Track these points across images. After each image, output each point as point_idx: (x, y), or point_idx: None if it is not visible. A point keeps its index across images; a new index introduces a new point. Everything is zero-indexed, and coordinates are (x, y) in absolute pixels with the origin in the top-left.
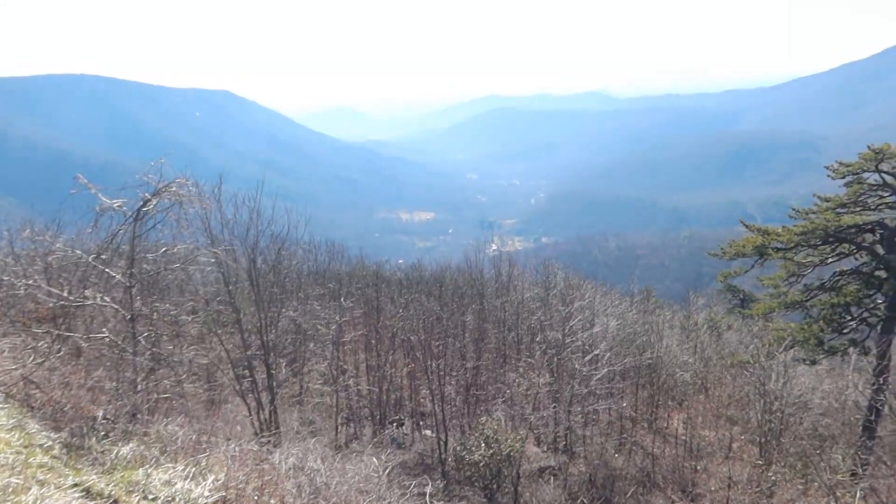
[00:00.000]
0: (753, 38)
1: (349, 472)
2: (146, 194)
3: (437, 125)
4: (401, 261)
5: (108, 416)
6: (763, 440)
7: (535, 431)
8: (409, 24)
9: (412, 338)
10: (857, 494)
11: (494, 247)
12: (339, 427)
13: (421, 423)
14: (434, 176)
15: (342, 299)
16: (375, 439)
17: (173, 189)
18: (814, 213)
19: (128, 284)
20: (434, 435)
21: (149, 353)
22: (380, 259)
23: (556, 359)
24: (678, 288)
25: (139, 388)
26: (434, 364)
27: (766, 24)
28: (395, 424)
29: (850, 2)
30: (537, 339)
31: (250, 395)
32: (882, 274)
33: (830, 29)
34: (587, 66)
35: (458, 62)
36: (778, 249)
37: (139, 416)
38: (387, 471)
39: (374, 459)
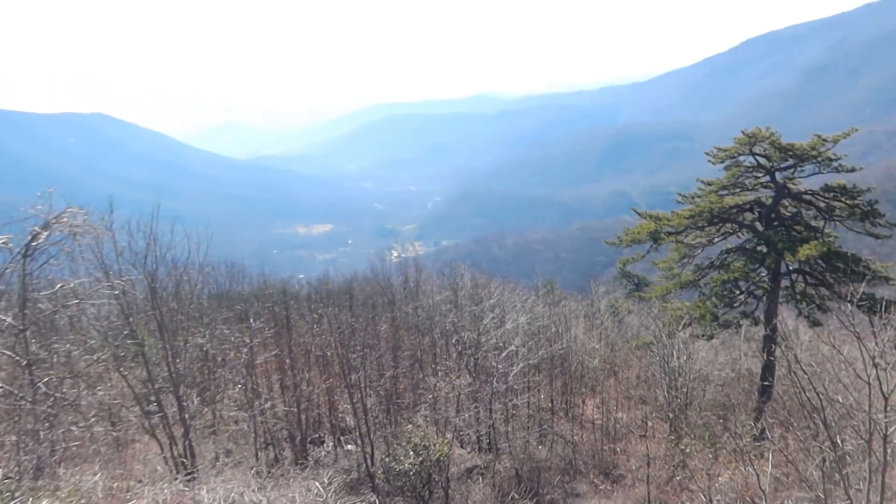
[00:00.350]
0: (627, 35)
1: (296, 501)
2: (35, 227)
3: (328, 136)
4: (301, 276)
5: (10, 475)
6: (672, 416)
7: (460, 433)
8: (291, 34)
9: (328, 353)
10: (769, 456)
11: (396, 253)
12: (259, 453)
13: (342, 438)
14: (328, 187)
15: (251, 320)
16: (299, 461)
17: (65, 220)
18: (699, 196)
19: (21, 328)
20: (358, 449)
21: (51, 399)
22: (281, 276)
23: (473, 359)
24: (575, 278)
25: (42, 438)
26: (353, 377)
27: (639, 20)
28: (316, 443)
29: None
30: (452, 342)
31: (161, 431)
32: (763, 249)
33: (694, 23)
34: (472, 70)
35: (342, 72)
36: (669, 234)
37: (46, 469)
38: (331, 492)
39: (317, 483)
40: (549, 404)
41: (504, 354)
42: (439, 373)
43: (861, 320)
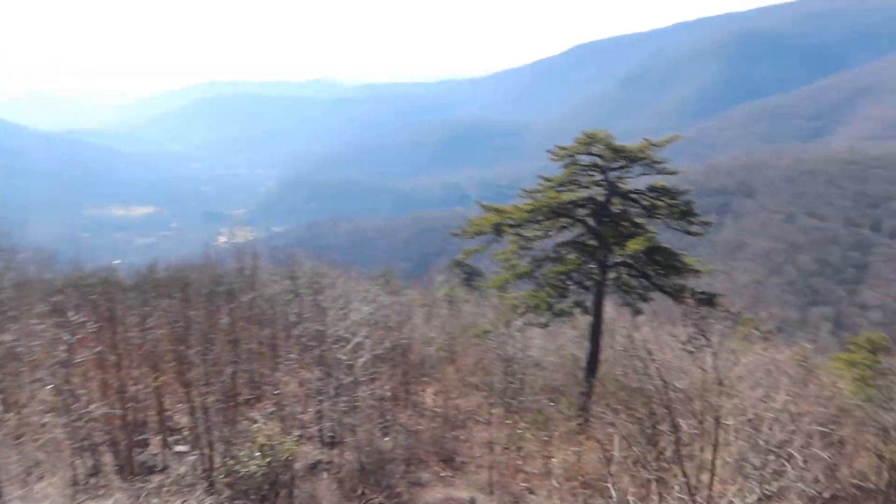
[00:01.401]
0: (466, 32)
1: None
2: None
3: (152, 112)
4: (118, 261)
5: None
6: (507, 401)
7: (307, 429)
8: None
9: (159, 348)
10: (606, 439)
11: (224, 239)
12: (74, 462)
13: (172, 440)
14: (150, 167)
15: (70, 314)
16: (124, 468)
17: None
18: (539, 191)
19: None
20: (194, 451)
21: None
22: (97, 261)
23: (319, 352)
24: (409, 267)
25: None
26: (191, 373)
27: (477, 18)
28: (142, 447)
29: (541, 4)
30: (295, 334)
31: None
32: (594, 243)
33: (528, 26)
34: (311, 53)
35: (172, 43)
36: (511, 226)
37: None
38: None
39: (145, 490)
40: (392, 394)
41: (350, 346)
42: (283, 367)
43: (670, 308)
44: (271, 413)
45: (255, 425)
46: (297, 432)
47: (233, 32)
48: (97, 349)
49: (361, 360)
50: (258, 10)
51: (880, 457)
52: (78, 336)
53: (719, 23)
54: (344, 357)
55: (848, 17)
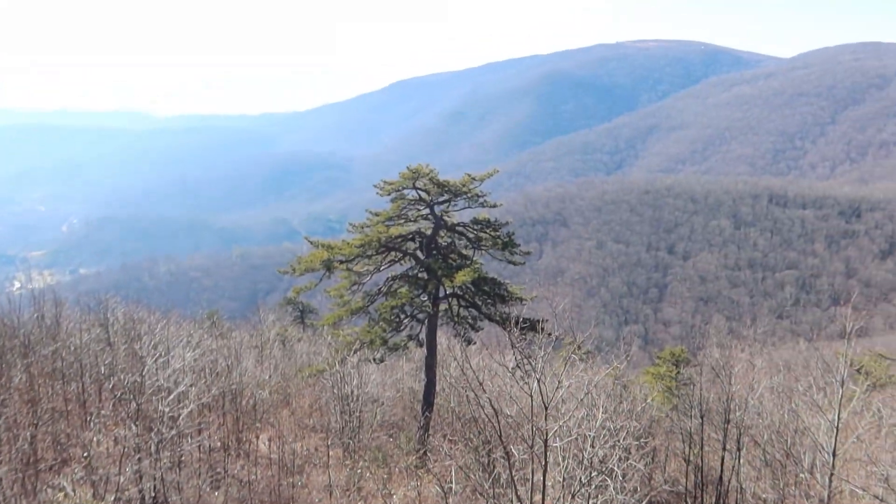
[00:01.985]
0: (283, 68)
1: None
2: None
3: None
4: None
5: None
6: (346, 441)
7: (124, 492)
8: None
9: None
10: (444, 470)
11: (18, 284)
12: None
13: None
14: None
15: None
16: None
17: None
18: (368, 226)
19: None
20: None
21: None
22: None
23: (136, 405)
24: (237, 306)
25: None
26: None
27: (293, 52)
28: None
29: (360, 41)
30: (109, 387)
31: None
32: (424, 275)
33: (350, 61)
34: (116, 85)
35: None
36: (341, 262)
37: None
38: None
39: None
40: (221, 443)
41: (172, 396)
42: (94, 425)
43: (499, 336)
44: (81, 478)
45: (61, 494)
46: (111, 496)
47: (21, 58)
48: None
49: (186, 410)
50: (53, 36)
51: (686, 460)
52: None
53: (527, 64)
54: (166, 409)
55: (633, 62)
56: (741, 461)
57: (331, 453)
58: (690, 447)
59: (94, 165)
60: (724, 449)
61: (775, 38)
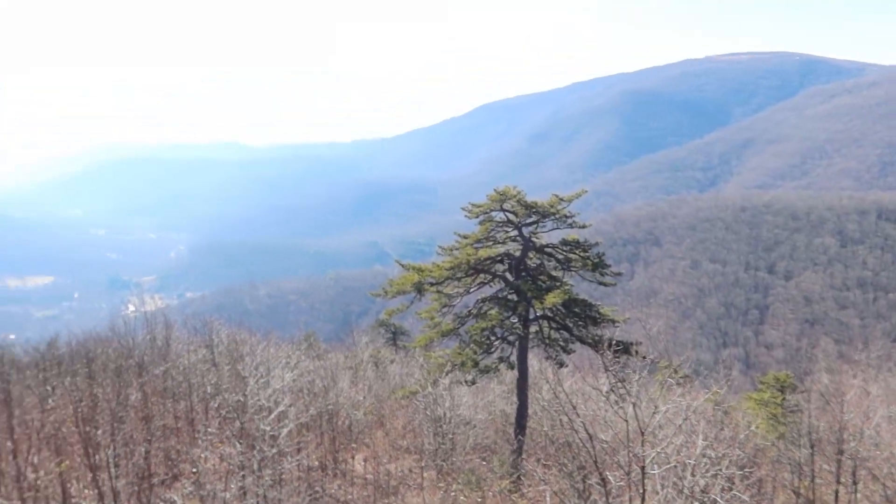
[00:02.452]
0: (374, 94)
1: None
2: None
3: (47, 177)
4: (12, 336)
5: None
6: (439, 463)
7: None
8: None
9: (63, 430)
10: (538, 495)
11: (132, 308)
12: None
13: None
14: (48, 234)
15: None
16: None
17: None
18: (456, 248)
19: None
20: None
21: None
22: None
23: (240, 423)
24: (331, 328)
25: None
26: (99, 456)
27: (381, 80)
28: None
29: (448, 68)
30: (214, 406)
31: None
32: (514, 297)
33: (436, 87)
34: (218, 116)
35: (65, 107)
36: (431, 284)
37: None
38: None
39: None
40: (319, 463)
41: (273, 416)
42: (201, 442)
43: (592, 359)
44: (190, 493)
45: None
46: None
47: (127, 94)
48: None
49: (286, 429)
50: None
51: (796, 493)
52: None
53: (612, 82)
54: (267, 428)
55: (724, 76)
56: (858, 496)
57: (424, 475)
58: (800, 479)
59: (197, 195)
60: (837, 482)
61: (877, 45)
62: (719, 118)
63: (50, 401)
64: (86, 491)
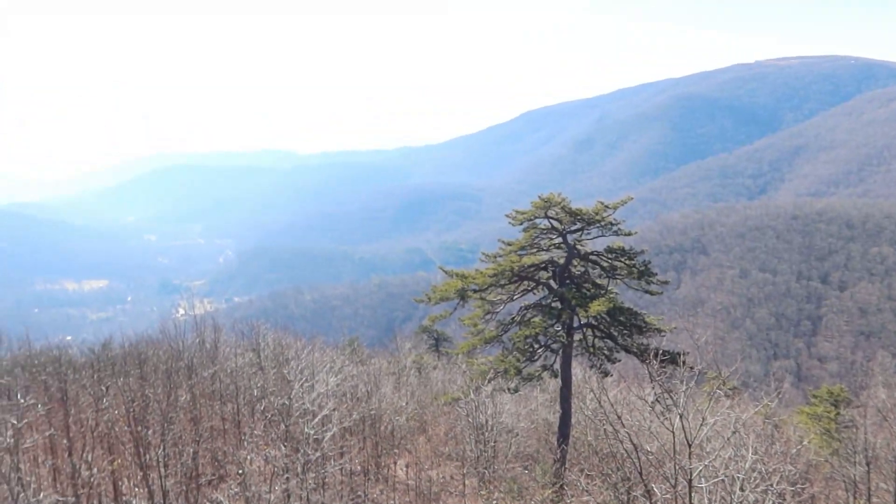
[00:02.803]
0: (418, 102)
1: None
2: None
3: (102, 185)
4: (69, 337)
5: None
6: (481, 470)
7: None
8: (64, 69)
9: (116, 429)
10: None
11: (182, 311)
12: None
13: None
14: (103, 239)
15: (18, 396)
16: None
17: None
18: (500, 255)
19: None
20: None
21: None
22: (47, 338)
23: (285, 426)
24: (374, 334)
25: None
26: (150, 455)
27: (425, 87)
28: None
29: (492, 76)
30: (260, 409)
31: None
32: (558, 305)
33: (480, 94)
34: (266, 123)
35: (119, 117)
36: (475, 291)
37: None
38: None
39: None
40: (362, 468)
41: (317, 420)
42: (247, 444)
43: (637, 368)
44: (235, 494)
45: None
46: None
47: (181, 105)
48: (48, 433)
49: (329, 433)
50: (207, 84)
51: None
52: (27, 419)
53: (659, 88)
54: (311, 431)
55: (775, 82)
56: None
57: (466, 482)
58: (855, 497)
59: (245, 201)
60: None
61: None
62: (770, 124)
63: (104, 401)
64: (136, 489)
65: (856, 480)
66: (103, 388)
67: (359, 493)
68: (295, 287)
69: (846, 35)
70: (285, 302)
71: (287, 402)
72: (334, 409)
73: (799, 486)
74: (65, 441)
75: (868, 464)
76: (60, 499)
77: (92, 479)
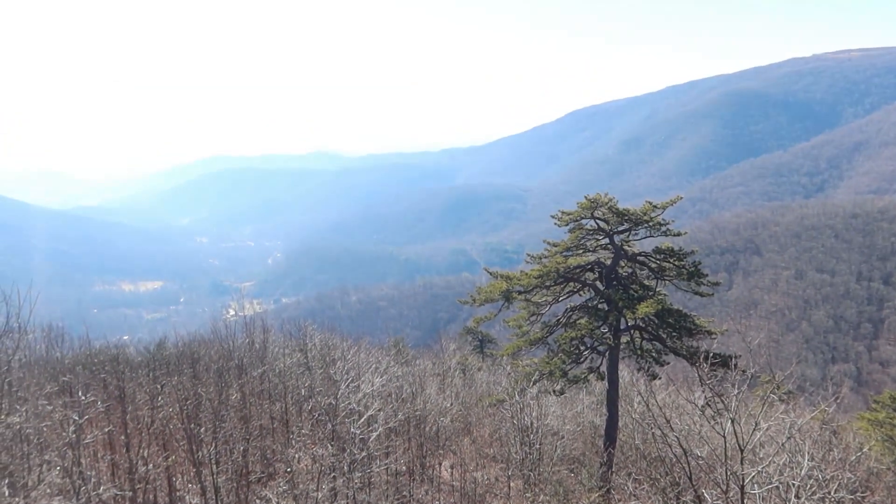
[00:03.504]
0: (465, 103)
1: None
2: None
3: (157, 188)
4: (125, 336)
5: None
6: (526, 473)
7: None
8: (121, 77)
9: (170, 427)
10: None
11: (232, 312)
12: None
13: None
14: (159, 242)
15: (80, 393)
16: None
17: None
18: (546, 257)
19: None
20: None
21: None
22: (105, 337)
23: (331, 426)
24: (419, 335)
25: None
26: (202, 452)
27: (473, 88)
28: None
29: (538, 75)
30: (307, 408)
31: None
32: (604, 307)
33: (525, 94)
34: (312, 126)
35: (173, 122)
36: (520, 292)
37: None
38: None
39: None
40: (407, 468)
41: (363, 420)
42: (295, 443)
43: (686, 371)
44: (284, 491)
45: None
46: None
47: (232, 109)
48: (107, 429)
49: (375, 433)
50: (257, 88)
51: None
52: (87, 416)
53: (710, 85)
54: (357, 431)
55: (833, 75)
56: None
57: (511, 484)
58: None
59: (293, 203)
60: None
61: None
62: (828, 120)
63: (159, 398)
64: (189, 485)
65: None
66: (158, 387)
67: (404, 493)
68: (341, 288)
69: None
70: (332, 303)
71: (333, 402)
72: (380, 410)
73: (859, 494)
74: (122, 437)
75: None
76: (119, 493)
77: (148, 475)
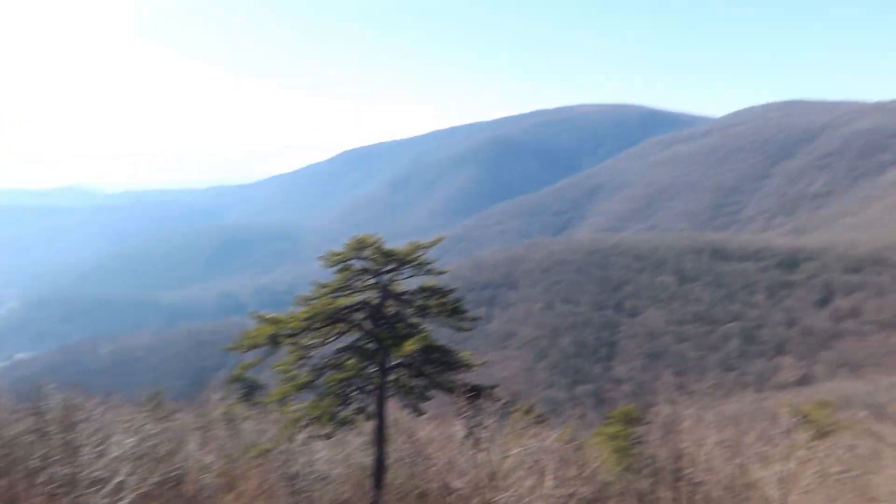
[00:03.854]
0: (232, 140)
1: None
2: None
3: None
4: None
5: None
6: None
7: None
8: None
9: None
10: None
11: None
12: None
13: None
14: None
15: None
16: None
17: None
18: (314, 298)
19: None
20: None
21: None
22: None
23: (69, 499)
24: (183, 386)
25: None
26: None
27: (243, 126)
28: None
29: (307, 115)
30: (40, 481)
31: None
32: (372, 346)
33: (297, 133)
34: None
35: None
36: (288, 336)
37: None
38: None
39: None
40: None
41: (109, 487)
42: None
43: (451, 405)
44: None
45: None
46: None
47: None
48: None
49: (123, 502)
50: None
51: None
52: None
53: (469, 131)
54: (102, 501)
55: (574, 126)
56: None
57: None
58: None
59: (33, 245)
60: None
61: (706, 99)
62: (571, 165)
63: None
64: None
65: (643, 493)
66: None
67: None
68: (91, 339)
69: (633, 85)
70: (80, 357)
71: (73, 471)
72: (130, 474)
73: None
74: None
75: (653, 476)
76: None
77: None
